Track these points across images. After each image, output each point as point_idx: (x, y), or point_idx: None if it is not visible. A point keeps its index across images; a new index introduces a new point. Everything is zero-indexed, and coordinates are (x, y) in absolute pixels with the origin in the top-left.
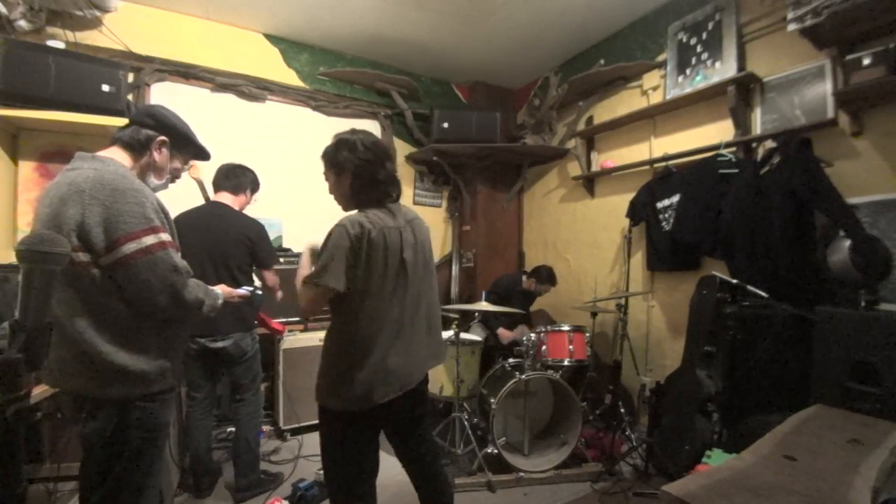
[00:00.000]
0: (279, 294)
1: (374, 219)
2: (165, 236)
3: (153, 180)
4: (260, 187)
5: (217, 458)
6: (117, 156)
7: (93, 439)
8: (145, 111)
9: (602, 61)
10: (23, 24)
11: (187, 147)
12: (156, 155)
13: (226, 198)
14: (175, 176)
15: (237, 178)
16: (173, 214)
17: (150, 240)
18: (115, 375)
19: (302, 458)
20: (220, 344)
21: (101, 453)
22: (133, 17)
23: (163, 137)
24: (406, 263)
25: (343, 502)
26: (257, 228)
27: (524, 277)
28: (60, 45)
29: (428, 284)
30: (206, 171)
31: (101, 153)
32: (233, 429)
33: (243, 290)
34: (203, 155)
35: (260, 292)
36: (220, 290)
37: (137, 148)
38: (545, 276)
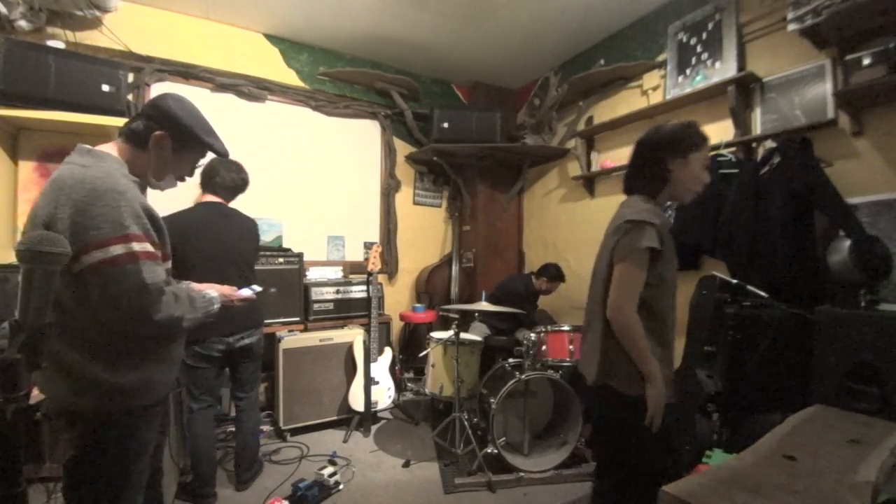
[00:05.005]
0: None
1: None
2: (140, 246)
3: (153, 179)
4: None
5: (220, 456)
6: (115, 150)
7: (71, 447)
8: (153, 100)
9: (602, 61)
10: (23, 24)
11: (192, 144)
12: (155, 150)
13: (218, 201)
14: (181, 175)
15: (235, 183)
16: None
17: (117, 249)
18: (89, 386)
19: (305, 458)
20: (246, 341)
21: (78, 463)
22: (133, 17)
23: (161, 132)
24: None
25: None
26: (255, 225)
27: (534, 278)
28: (60, 45)
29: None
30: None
31: (101, 147)
32: (233, 428)
33: (247, 293)
34: (216, 153)
35: (260, 289)
36: (221, 291)
37: (136, 141)
38: (554, 273)
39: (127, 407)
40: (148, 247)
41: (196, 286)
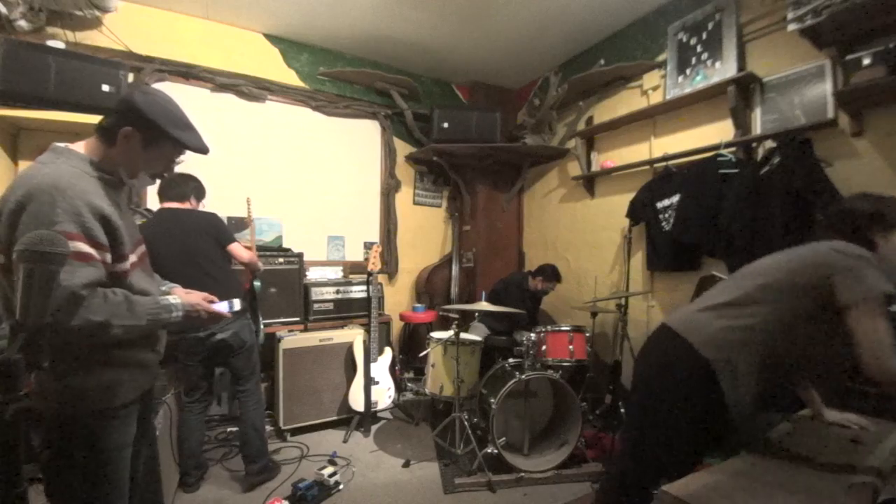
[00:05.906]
0: (260, 265)
1: None
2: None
3: (126, 178)
4: (205, 194)
5: (221, 455)
6: (84, 147)
7: (42, 449)
8: (124, 95)
9: (602, 61)
10: (23, 24)
11: (160, 139)
12: (122, 147)
13: (173, 205)
14: (156, 172)
15: (179, 188)
16: None
17: None
18: (49, 389)
19: (305, 458)
20: (219, 336)
21: (50, 466)
22: (133, 17)
23: (129, 128)
24: None
25: None
26: (212, 217)
27: (530, 277)
28: (60, 45)
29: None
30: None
31: (73, 144)
32: (233, 428)
33: (222, 308)
34: (190, 148)
35: (238, 307)
36: (188, 300)
37: (105, 138)
38: (550, 273)
39: (90, 410)
40: (81, 246)
41: (181, 291)
